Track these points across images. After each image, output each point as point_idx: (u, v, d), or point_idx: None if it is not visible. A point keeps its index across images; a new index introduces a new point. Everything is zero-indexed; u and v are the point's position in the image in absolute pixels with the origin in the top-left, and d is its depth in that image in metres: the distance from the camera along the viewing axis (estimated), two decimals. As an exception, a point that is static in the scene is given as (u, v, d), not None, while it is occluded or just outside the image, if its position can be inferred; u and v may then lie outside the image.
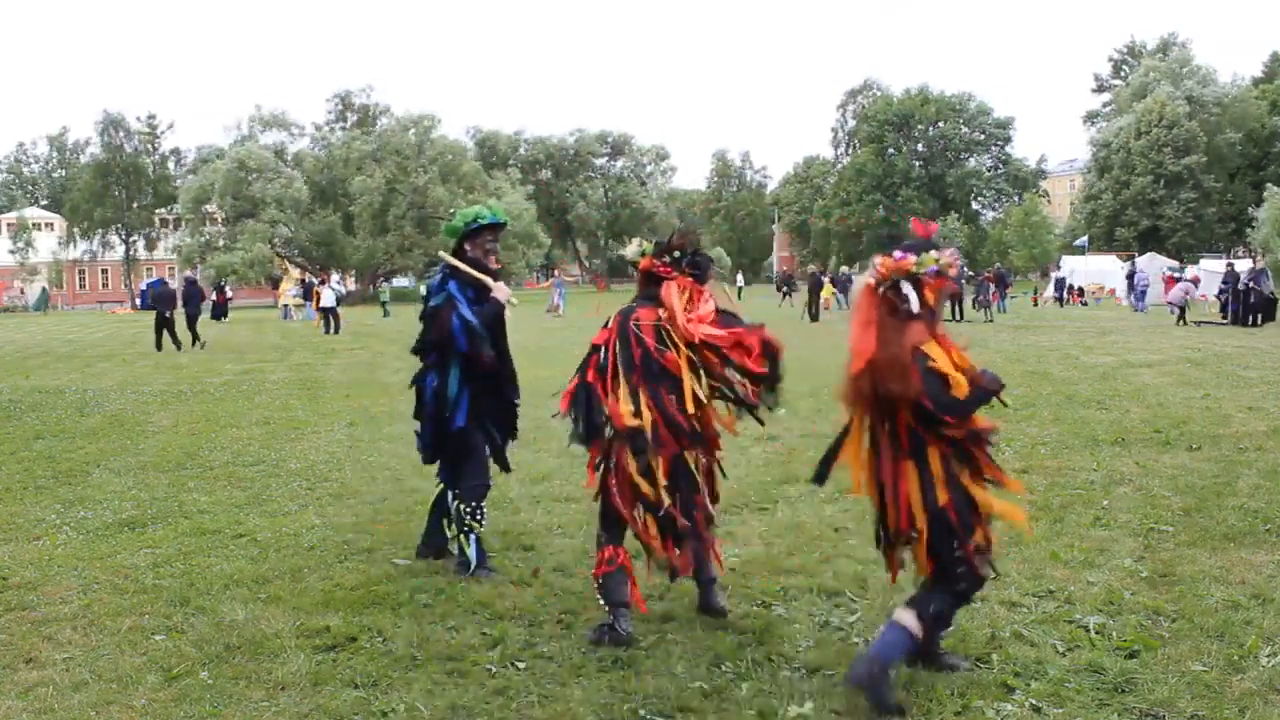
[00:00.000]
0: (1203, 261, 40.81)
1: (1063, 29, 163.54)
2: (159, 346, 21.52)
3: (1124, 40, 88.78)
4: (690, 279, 4.48)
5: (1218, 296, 27.04)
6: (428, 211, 58.66)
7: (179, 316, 22.63)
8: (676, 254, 4.52)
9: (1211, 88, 61.96)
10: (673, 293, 4.39)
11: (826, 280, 39.87)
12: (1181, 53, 65.71)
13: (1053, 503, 6.45)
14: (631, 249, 4.76)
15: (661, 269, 4.49)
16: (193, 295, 24.48)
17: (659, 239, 4.69)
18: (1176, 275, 35.32)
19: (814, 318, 29.02)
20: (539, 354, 18.28)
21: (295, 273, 57.09)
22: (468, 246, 5.15)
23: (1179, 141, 58.52)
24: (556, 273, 42.47)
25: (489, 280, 5.10)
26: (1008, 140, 77.09)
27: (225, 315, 35.72)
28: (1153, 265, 39.08)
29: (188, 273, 34.24)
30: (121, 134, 71.68)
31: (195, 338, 22.42)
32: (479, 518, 5.19)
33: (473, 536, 5.17)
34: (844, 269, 45.48)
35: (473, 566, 5.16)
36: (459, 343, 4.99)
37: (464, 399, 5.11)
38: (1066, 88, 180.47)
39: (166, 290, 23.16)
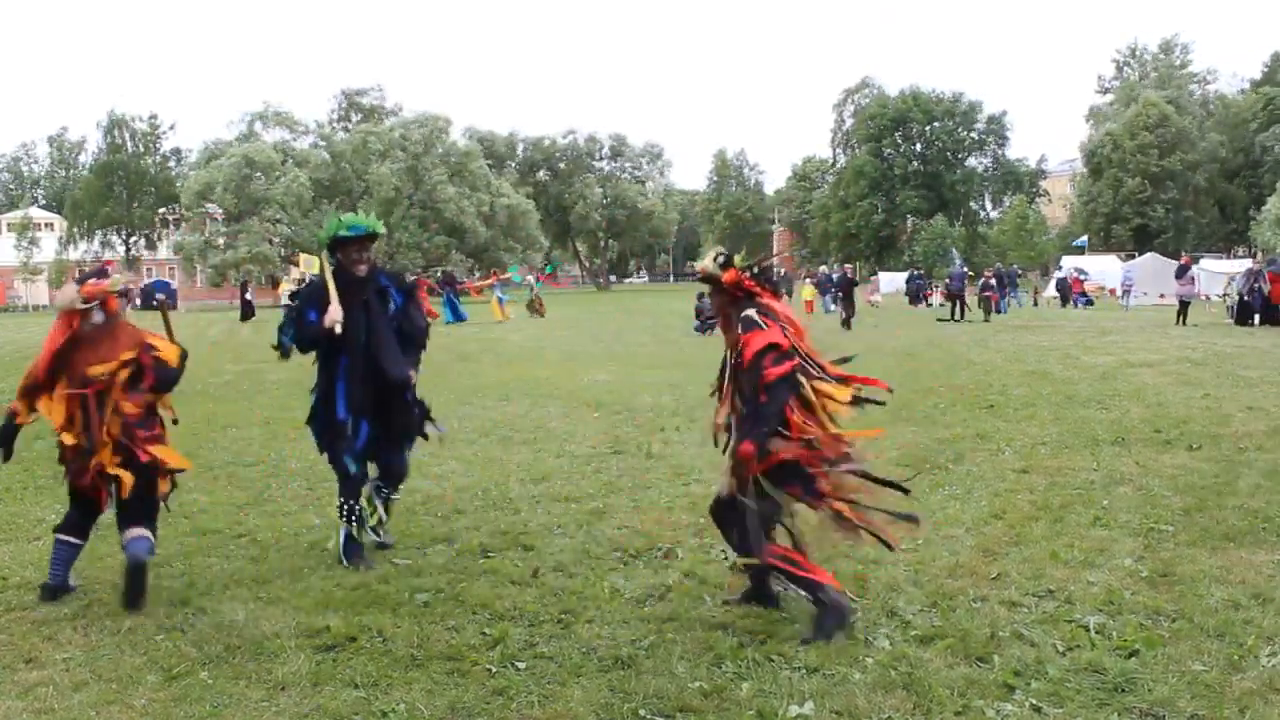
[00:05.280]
0: (1203, 261, 40.83)
1: (1073, 26, 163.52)
2: None
3: (1127, 41, 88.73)
4: (771, 292, 4.53)
5: (1222, 295, 26.94)
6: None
7: None
8: (756, 269, 4.52)
9: (1200, 88, 62.23)
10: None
11: (809, 282, 39.17)
12: (1166, 60, 65.87)
13: (1053, 503, 6.44)
14: (708, 260, 4.66)
15: (748, 283, 4.49)
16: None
17: (729, 253, 4.64)
18: (1081, 276, 35.57)
19: (846, 324, 25.51)
20: (535, 355, 18.29)
21: (296, 271, 56.92)
22: (339, 254, 5.40)
23: (1163, 144, 58.89)
24: (496, 274, 39.56)
25: (332, 295, 5.27)
26: (1004, 140, 77.07)
27: (253, 314, 35.77)
28: (1154, 266, 39.08)
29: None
30: (125, 134, 71.66)
31: None
32: (343, 510, 5.35)
33: (343, 531, 5.36)
34: (822, 268, 44.41)
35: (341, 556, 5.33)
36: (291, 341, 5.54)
37: (337, 392, 5.40)
38: (1075, 84, 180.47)
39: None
